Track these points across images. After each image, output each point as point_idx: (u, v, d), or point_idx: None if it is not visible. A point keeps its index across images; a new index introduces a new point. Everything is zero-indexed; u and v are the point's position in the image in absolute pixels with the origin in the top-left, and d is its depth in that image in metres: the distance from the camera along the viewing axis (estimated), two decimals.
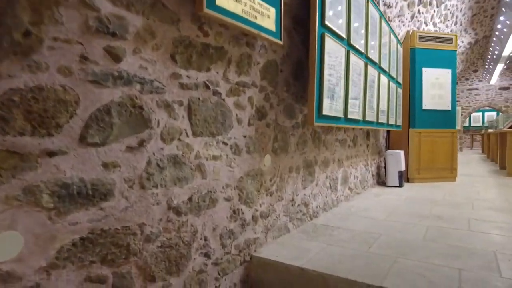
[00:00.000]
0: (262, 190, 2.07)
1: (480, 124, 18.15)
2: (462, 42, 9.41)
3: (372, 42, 3.24)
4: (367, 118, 3.21)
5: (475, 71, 14.95)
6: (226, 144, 1.75)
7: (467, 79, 15.36)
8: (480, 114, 18.01)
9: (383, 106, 3.79)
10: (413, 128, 5.05)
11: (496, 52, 9.69)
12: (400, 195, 4.05)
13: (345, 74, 2.58)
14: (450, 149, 5.19)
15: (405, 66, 5.10)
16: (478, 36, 9.60)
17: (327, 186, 3.09)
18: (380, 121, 3.68)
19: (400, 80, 4.77)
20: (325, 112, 2.25)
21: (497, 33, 8.27)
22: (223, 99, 1.73)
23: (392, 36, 4.15)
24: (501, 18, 7.13)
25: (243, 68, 1.86)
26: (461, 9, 6.92)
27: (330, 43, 2.27)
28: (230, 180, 1.78)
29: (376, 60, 3.40)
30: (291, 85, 2.37)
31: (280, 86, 2.24)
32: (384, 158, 4.93)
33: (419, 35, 5.05)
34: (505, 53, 9.03)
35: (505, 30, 7.43)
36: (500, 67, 10.83)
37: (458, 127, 15.42)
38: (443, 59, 5.14)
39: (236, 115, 1.82)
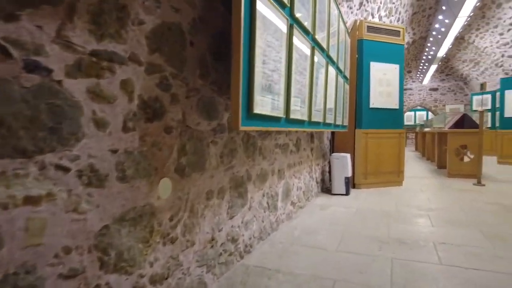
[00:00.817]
0: (155, 238, 1.26)
1: (412, 123, 19.16)
2: None
3: (319, 23, 2.58)
4: (313, 119, 2.55)
5: (409, 71, 15.56)
6: (65, 169, 0.91)
7: None
8: (413, 113, 19.01)
9: (330, 103, 3.18)
10: (360, 129, 4.59)
11: (431, 53, 9.92)
12: (348, 206, 3.50)
13: (287, 58, 1.86)
14: (397, 151, 4.83)
15: (352, 59, 4.61)
16: (415, 36, 9.72)
17: (264, 206, 2.37)
18: (327, 121, 3.06)
19: (347, 74, 4.25)
20: (258, 110, 1.50)
21: (434, 33, 8.34)
22: (59, 82, 0.89)
23: (341, 22, 3.57)
24: (440, 17, 7.10)
25: (107, 26, 1.03)
26: (404, 5, 6.72)
27: (263, 9, 1.52)
28: (76, 237, 0.95)
29: (325, 46, 2.76)
30: (211, 68, 1.59)
31: (191, 68, 1.45)
32: (329, 162, 4.39)
33: (367, 26, 4.58)
34: (440, 53, 9.26)
35: (442, 29, 7.45)
36: (433, 68, 11.22)
37: None
38: (391, 53, 4.74)
39: (94, 113, 0.99)
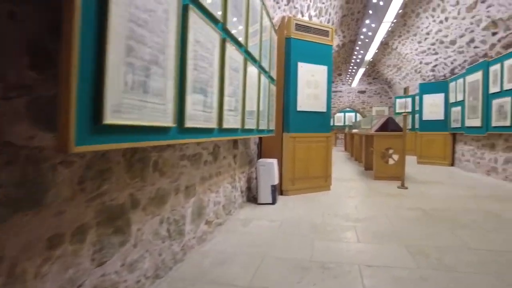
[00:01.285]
0: None
1: (342, 123, 20.04)
2: None
3: (233, 9, 2.18)
4: (226, 125, 2.14)
5: (340, 74, 16.17)
6: None
7: (332, 82, 16.52)
8: (343, 114, 19.89)
9: (251, 106, 2.81)
10: (287, 133, 4.33)
11: (359, 57, 10.26)
12: (273, 219, 3.18)
13: (179, 43, 1.42)
14: (325, 155, 4.68)
15: (279, 59, 4.32)
16: (345, 39, 9.96)
17: (163, 236, 1.90)
18: (247, 127, 2.69)
19: (273, 75, 3.94)
20: (113, 120, 1.03)
21: (362, 37, 8.57)
22: None
23: (265, 15, 3.22)
24: (367, 21, 7.24)
25: None
26: (334, 6, 6.70)
27: None
28: None
29: (242, 40, 2.36)
30: (54, 54, 1.07)
31: (11, 53, 0.93)
32: (256, 169, 4.06)
33: (296, 23, 4.33)
34: (367, 57, 9.62)
35: (369, 33, 7.65)
36: (361, 71, 11.72)
37: None
38: (320, 54, 4.56)
39: None
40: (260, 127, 3.18)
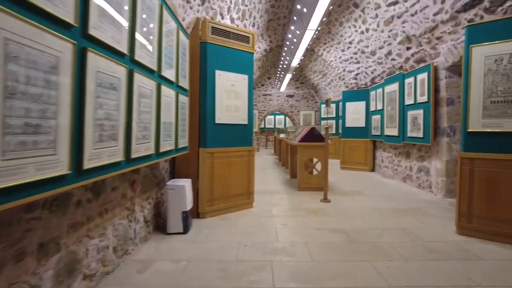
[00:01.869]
0: None
1: (272, 126, 20.23)
2: (259, 47, 9.35)
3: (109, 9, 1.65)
4: (91, 161, 1.61)
5: (269, 78, 16.19)
6: None
7: (263, 85, 16.48)
8: (273, 117, 20.07)
9: (146, 123, 2.29)
10: (204, 148, 3.87)
11: (286, 62, 10.22)
12: (179, 258, 2.69)
13: None
14: (247, 171, 4.32)
15: (194, 66, 3.84)
16: (272, 44, 9.82)
17: None
18: (137, 155, 2.16)
19: (185, 84, 3.45)
20: None
21: (288, 42, 8.46)
22: None
23: (168, 16, 2.71)
24: (292, 27, 7.11)
25: None
26: (259, 9, 6.41)
27: None
28: None
29: (124, 48, 1.83)
30: None
31: None
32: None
33: (212, 27, 3.88)
34: (294, 63, 9.61)
35: (295, 40, 7.54)
36: (288, 76, 11.78)
37: (255, 129, 16.37)
38: (240, 62, 4.18)
39: None
40: (162, 148, 2.66)
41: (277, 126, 20.33)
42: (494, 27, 3.18)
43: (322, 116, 12.56)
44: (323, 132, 6.30)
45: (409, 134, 6.12)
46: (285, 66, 10.54)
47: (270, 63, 13.21)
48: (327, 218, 3.99)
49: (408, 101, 6.14)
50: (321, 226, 3.65)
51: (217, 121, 3.93)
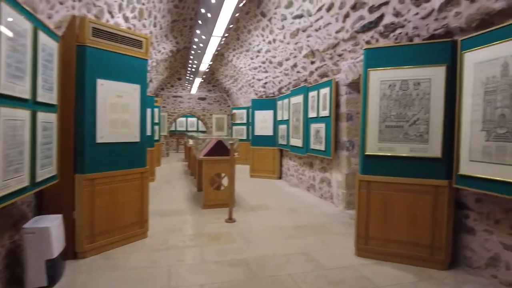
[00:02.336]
0: None
1: (184, 128, 19.44)
2: (165, 48, 8.67)
3: None
4: None
5: (179, 79, 15.41)
6: None
7: (172, 86, 15.62)
8: (185, 119, 19.29)
9: None
10: (82, 174, 3.19)
11: (194, 66, 9.72)
12: None
13: None
14: (139, 196, 3.76)
15: (66, 75, 3.12)
16: (179, 45, 9.22)
17: None
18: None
19: (51, 99, 2.76)
20: None
21: (194, 46, 7.99)
22: None
23: (10, 8, 2.04)
24: (198, 31, 6.67)
25: None
26: (160, 9, 5.81)
27: None
28: None
29: None
30: None
31: None
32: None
33: (94, 27, 3.23)
34: (202, 67, 9.19)
35: (201, 45, 7.12)
36: (198, 80, 11.28)
37: (164, 132, 15.45)
38: (130, 70, 3.60)
39: None
40: (6, 191, 1.98)
41: (189, 128, 19.62)
42: (388, 53, 3.26)
43: (234, 121, 12.39)
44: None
45: (312, 146, 6.24)
46: (193, 69, 10.04)
47: (179, 64, 12.53)
48: (230, 245, 3.68)
49: (312, 114, 6.26)
50: (222, 258, 3.32)
51: (99, 140, 3.29)
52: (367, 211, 3.39)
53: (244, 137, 11.77)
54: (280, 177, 8.69)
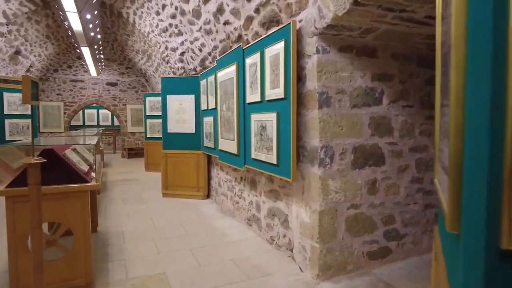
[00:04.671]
0: None
1: (95, 123, 15.58)
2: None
3: None
4: None
5: (80, 58, 11.60)
6: None
7: (70, 67, 11.76)
8: (95, 111, 15.41)
9: None
10: None
11: (66, 23, 6.30)
12: None
13: None
14: None
15: None
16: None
17: None
18: None
19: None
20: None
21: None
22: None
23: None
24: None
25: None
26: None
27: None
28: None
29: None
30: None
31: None
32: None
33: None
34: (76, 26, 5.81)
35: None
36: (86, 51, 7.79)
37: (61, 129, 11.67)
38: None
39: None
40: None
41: (102, 123, 15.76)
42: None
43: (148, 113, 9.19)
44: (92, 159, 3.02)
45: (254, 154, 3.48)
46: (70, 33, 6.63)
47: (64, 30, 8.85)
48: None
49: (252, 96, 3.48)
50: None
51: None
52: None
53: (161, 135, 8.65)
54: (208, 196, 5.85)
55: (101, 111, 15.23)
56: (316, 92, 2.69)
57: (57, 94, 11.66)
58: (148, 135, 9.11)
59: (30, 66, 9.10)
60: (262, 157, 3.26)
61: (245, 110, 3.69)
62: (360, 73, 2.87)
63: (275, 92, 2.97)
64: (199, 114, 5.62)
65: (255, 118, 3.39)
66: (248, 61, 3.50)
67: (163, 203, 5.51)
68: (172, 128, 5.88)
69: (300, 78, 2.85)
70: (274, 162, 3.03)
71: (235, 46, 3.99)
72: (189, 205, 5.38)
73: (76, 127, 14.32)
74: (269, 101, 3.11)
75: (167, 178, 5.91)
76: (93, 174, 2.92)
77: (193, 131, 5.73)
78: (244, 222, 4.33)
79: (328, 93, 2.72)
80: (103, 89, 12.30)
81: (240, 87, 3.73)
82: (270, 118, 3.08)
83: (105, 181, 7.74)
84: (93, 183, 2.61)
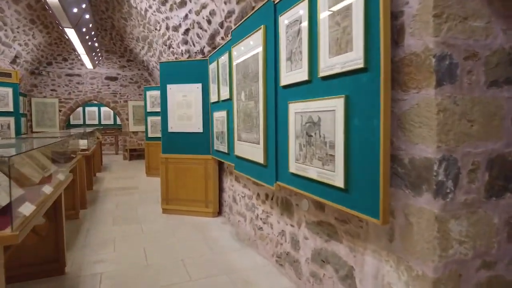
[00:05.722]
0: None
1: (97, 122, 14.53)
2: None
3: None
4: None
5: (74, 49, 10.46)
6: None
7: (65, 59, 10.61)
8: (96, 109, 14.36)
9: None
10: None
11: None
12: None
13: None
14: None
15: None
16: None
17: None
18: None
19: None
20: None
21: None
22: None
23: None
24: None
25: None
26: None
27: None
28: None
29: None
30: None
31: None
32: None
33: None
34: (52, 2, 4.67)
35: None
36: (72, 34, 6.58)
37: (56, 128, 10.59)
38: None
39: None
40: None
41: (103, 122, 14.70)
42: None
43: (149, 109, 7.99)
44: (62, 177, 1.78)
45: (294, 166, 2.17)
46: (46, 7, 5.43)
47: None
48: None
49: (290, 75, 2.18)
50: None
51: None
52: None
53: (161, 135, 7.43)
54: (219, 213, 4.59)
55: (102, 108, 14.16)
56: (431, 54, 1.39)
57: (52, 90, 10.54)
58: (150, 135, 7.90)
59: (16, 56, 7.96)
60: (312, 172, 1.97)
61: (277, 97, 2.40)
62: (503, 23, 1.55)
63: (341, 59, 1.67)
64: (208, 108, 4.36)
65: (298, 108, 2.10)
66: (285, 19, 2.21)
67: (162, 223, 4.27)
68: (173, 126, 4.63)
69: (392, 34, 1.55)
70: (339, 184, 1.73)
71: (259, 4, 2.70)
72: (195, 226, 4.13)
73: (76, 126, 13.28)
74: (327, 77, 1.81)
75: (168, 190, 4.66)
76: (24, 207, 1.67)
77: (200, 130, 4.47)
78: (271, 259, 3.06)
79: (452, 57, 1.42)
80: (102, 84, 11.14)
81: (270, 62, 2.44)
82: (329, 106, 1.78)
83: (98, 190, 6.55)
84: (7, 231, 1.37)
